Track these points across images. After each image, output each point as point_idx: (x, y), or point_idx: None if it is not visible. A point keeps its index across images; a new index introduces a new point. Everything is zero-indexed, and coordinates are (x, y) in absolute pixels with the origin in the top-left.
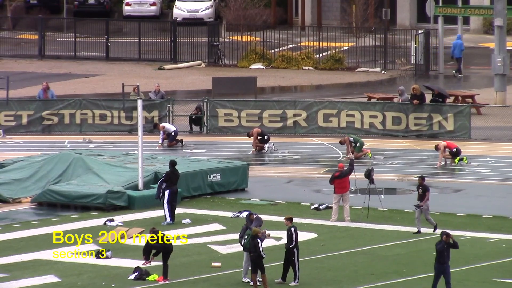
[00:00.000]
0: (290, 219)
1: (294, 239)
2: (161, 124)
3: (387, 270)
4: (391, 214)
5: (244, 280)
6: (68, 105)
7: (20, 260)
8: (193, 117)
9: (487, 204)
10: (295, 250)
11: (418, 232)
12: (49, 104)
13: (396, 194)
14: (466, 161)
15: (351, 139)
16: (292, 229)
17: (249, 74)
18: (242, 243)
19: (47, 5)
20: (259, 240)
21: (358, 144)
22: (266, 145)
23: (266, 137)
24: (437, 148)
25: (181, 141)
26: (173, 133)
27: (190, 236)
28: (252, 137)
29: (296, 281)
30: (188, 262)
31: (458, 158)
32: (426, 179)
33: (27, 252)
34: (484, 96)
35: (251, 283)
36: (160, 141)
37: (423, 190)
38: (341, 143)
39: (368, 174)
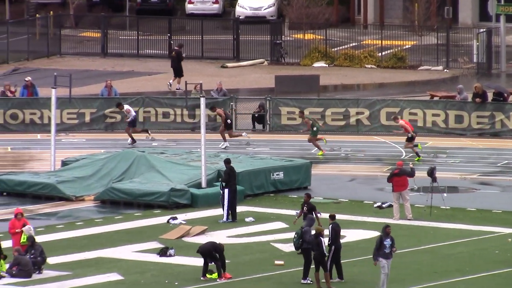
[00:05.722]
0: (330, 217)
1: (330, 237)
2: (126, 107)
3: (450, 268)
4: (453, 212)
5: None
6: (131, 103)
7: (83, 258)
8: (256, 115)
9: None
10: (333, 247)
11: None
12: (112, 102)
13: (459, 192)
14: (420, 147)
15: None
16: (331, 226)
17: (312, 72)
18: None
19: (109, 3)
20: (321, 238)
21: (315, 128)
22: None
23: (229, 121)
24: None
25: (148, 132)
26: (132, 118)
27: (253, 234)
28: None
29: (306, 279)
30: (251, 260)
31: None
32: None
33: (90, 250)
34: None
35: (307, 282)
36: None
37: (308, 209)
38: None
39: (431, 173)
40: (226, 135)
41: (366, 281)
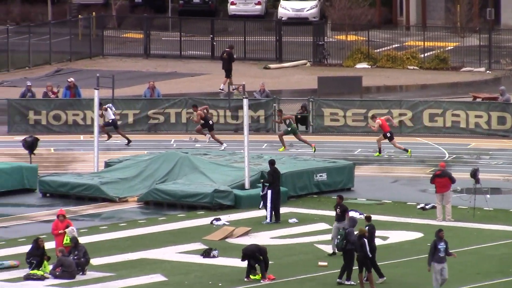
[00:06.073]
0: (366, 218)
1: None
2: (105, 106)
3: (493, 269)
4: (496, 213)
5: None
6: (174, 104)
7: (127, 259)
8: (299, 116)
9: None
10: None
11: (334, 253)
12: (155, 103)
13: (502, 194)
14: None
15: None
16: (367, 228)
17: (354, 73)
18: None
19: (151, 4)
20: (365, 240)
21: (289, 128)
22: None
23: (210, 122)
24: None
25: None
26: (110, 121)
27: (297, 235)
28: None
29: (350, 281)
30: (295, 261)
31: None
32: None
33: (133, 251)
34: None
35: (347, 283)
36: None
37: (341, 211)
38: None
39: (474, 174)
40: (209, 136)
41: (409, 282)
